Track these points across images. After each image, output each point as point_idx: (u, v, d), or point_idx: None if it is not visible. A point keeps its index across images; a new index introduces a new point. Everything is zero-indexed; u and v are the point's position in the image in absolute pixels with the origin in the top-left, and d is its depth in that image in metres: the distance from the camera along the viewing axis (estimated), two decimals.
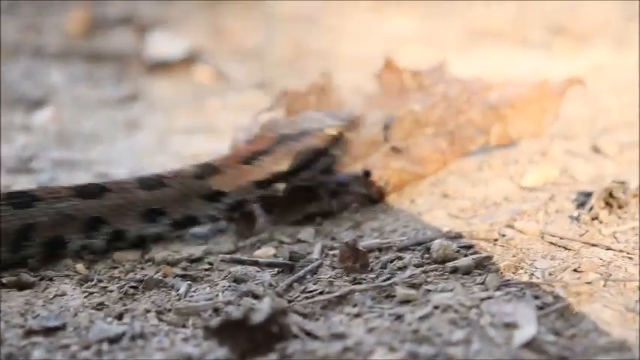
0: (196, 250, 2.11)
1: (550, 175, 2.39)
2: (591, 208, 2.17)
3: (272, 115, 2.43)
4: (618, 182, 2.24)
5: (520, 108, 2.43)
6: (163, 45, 3.74)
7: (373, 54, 3.72)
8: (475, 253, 2.01)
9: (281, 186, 2.22)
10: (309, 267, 1.99)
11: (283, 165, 2.21)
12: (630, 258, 1.96)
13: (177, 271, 2.03)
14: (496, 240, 2.07)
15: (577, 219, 2.15)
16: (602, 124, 2.73)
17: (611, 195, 2.19)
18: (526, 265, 1.95)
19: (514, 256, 1.99)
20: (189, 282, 1.98)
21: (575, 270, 1.91)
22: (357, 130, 2.31)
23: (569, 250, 2.02)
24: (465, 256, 1.99)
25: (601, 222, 2.13)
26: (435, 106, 2.43)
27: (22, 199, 2.04)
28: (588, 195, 2.22)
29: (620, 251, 1.99)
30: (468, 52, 3.73)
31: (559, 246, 2.04)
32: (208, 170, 2.18)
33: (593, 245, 2.03)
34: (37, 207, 2.04)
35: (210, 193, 2.17)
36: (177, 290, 1.94)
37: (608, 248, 2.01)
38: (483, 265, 1.95)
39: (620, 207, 2.17)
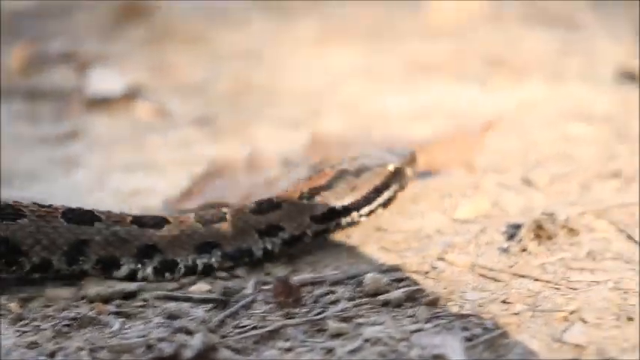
0: (131, 286, 2.11)
1: (481, 208, 2.44)
2: (521, 240, 2.21)
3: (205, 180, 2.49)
4: (547, 214, 2.29)
5: (442, 146, 2.49)
6: (104, 82, 3.74)
7: (316, 88, 3.78)
8: (406, 285, 2.04)
9: (342, 220, 2.26)
10: (242, 302, 2.01)
11: (344, 200, 2.25)
12: (558, 289, 2.01)
13: (112, 308, 2.04)
14: (427, 272, 2.11)
15: (507, 251, 2.19)
16: (534, 157, 2.78)
17: (540, 227, 2.24)
18: (456, 297, 1.99)
19: (445, 288, 2.03)
20: (123, 319, 1.99)
21: (503, 301, 1.95)
22: (415, 165, 2.37)
23: (499, 281, 2.06)
24: (397, 289, 2.02)
25: (530, 253, 2.17)
26: None
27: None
28: (518, 227, 2.27)
29: (548, 282, 2.04)
30: (407, 86, 3.78)
31: (489, 277, 2.08)
32: (267, 206, 2.22)
33: (522, 276, 2.07)
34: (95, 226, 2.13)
35: (267, 227, 2.21)
36: (111, 327, 1.95)
37: (537, 279, 2.05)
38: (414, 297, 1.99)
39: (549, 238, 2.22)
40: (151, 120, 3.51)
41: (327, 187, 2.25)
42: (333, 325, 1.88)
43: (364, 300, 1.99)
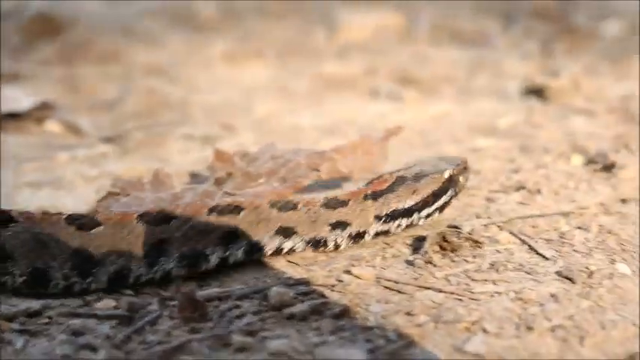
0: (35, 304, 2.08)
1: None
2: (426, 253, 2.25)
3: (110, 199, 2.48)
4: (452, 226, 2.34)
5: (346, 153, 2.52)
6: (15, 99, 3.70)
7: (229, 104, 3.79)
8: (312, 299, 2.05)
9: (403, 221, 2.36)
10: (147, 318, 2.00)
11: (406, 202, 2.36)
12: (461, 300, 2.04)
13: (15, 326, 2.00)
14: (333, 286, 2.12)
15: (412, 263, 2.22)
16: None
17: (445, 239, 2.28)
18: (361, 309, 2.00)
19: (350, 301, 2.04)
20: (26, 337, 1.96)
21: (407, 313, 1.98)
22: (467, 173, 2.49)
23: (404, 293, 2.08)
24: (302, 302, 2.03)
25: (435, 265, 2.21)
26: (265, 163, 2.51)
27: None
28: (424, 239, 2.30)
29: (452, 293, 2.07)
30: (319, 101, 3.82)
31: (394, 290, 2.10)
32: (334, 202, 2.31)
33: (426, 288, 2.10)
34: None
35: (335, 221, 2.29)
36: (15, 345, 1.92)
37: (441, 291, 2.08)
38: (319, 310, 2.00)
39: (453, 250, 2.26)
40: (62, 137, 3.48)
41: (389, 190, 2.37)
42: (238, 339, 1.88)
43: (270, 314, 1.99)
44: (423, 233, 2.34)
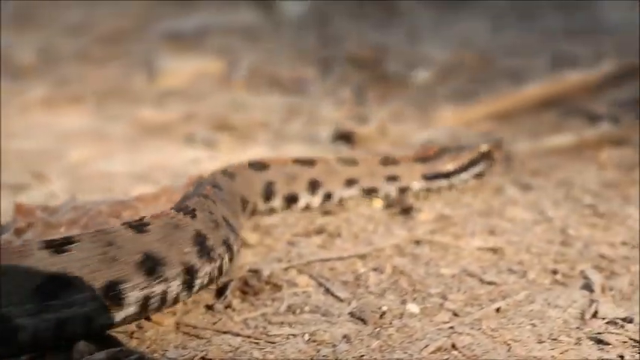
0: None
1: None
2: (226, 297, 2.30)
3: None
4: (253, 271, 2.40)
5: (148, 201, 2.57)
6: None
7: (43, 150, 3.76)
8: (110, 346, 2.06)
9: (444, 182, 2.99)
10: None
11: (449, 166, 2.97)
12: (257, 343, 2.10)
13: None
14: (133, 333, 2.14)
15: (212, 308, 2.27)
16: None
17: (246, 283, 2.34)
18: (158, 355, 2.03)
19: (148, 347, 2.07)
20: None
21: (202, 358, 2.02)
22: (501, 149, 3.10)
23: (202, 338, 2.12)
24: (100, 350, 2.04)
25: (234, 310, 2.26)
26: (66, 213, 2.52)
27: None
28: (226, 285, 2.35)
29: (249, 337, 2.12)
30: (136, 147, 3.84)
31: (192, 335, 2.14)
32: (388, 161, 2.96)
33: (224, 332, 2.15)
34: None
35: (388, 176, 2.93)
36: None
37: (238, 334, 2.13)
38: (117, 358, 2.00)
39: (255, 294, 2.32)
40: None
41: (434, 157, 2.98)
42: None
43: None
44: (226, 278, 2.39)
